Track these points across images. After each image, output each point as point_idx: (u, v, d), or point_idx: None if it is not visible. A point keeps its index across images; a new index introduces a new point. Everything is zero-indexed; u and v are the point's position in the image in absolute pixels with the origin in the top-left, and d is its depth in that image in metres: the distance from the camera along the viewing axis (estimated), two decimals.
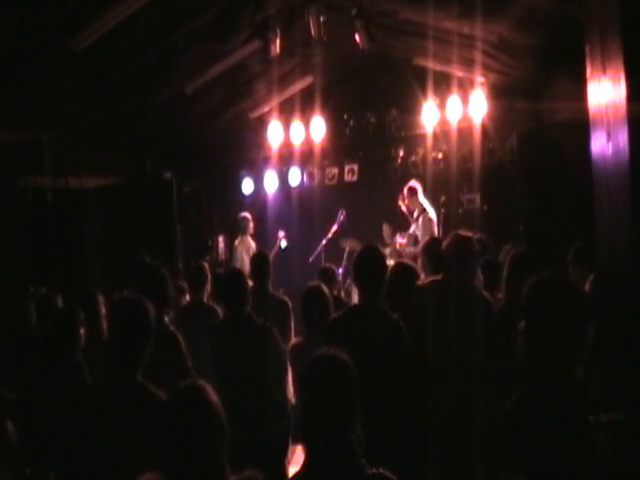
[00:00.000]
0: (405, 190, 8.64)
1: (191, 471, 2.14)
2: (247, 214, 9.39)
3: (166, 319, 5.24)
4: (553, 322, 2.38)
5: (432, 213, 8.52)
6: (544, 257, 4.94)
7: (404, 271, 4.46)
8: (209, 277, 5.77)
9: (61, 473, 2.87)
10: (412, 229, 8.65)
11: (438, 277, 4.60)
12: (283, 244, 9.44)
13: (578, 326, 2.39)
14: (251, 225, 9.29)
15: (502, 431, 2.45)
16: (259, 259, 5.56)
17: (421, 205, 8.54)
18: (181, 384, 2.28)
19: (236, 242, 9.33)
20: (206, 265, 5.93)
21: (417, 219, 8.56)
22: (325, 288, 4.67)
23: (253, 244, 9.20)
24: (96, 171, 8.37)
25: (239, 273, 4.78)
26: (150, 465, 2.20)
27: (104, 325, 4.37)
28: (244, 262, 8.68)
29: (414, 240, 8.51)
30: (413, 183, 8.67)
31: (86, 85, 6.86)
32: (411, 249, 8.36)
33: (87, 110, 7.43)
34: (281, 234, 9.43)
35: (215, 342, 4.49)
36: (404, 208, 8.88)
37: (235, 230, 9.75)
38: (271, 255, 8.88)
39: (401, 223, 8.93)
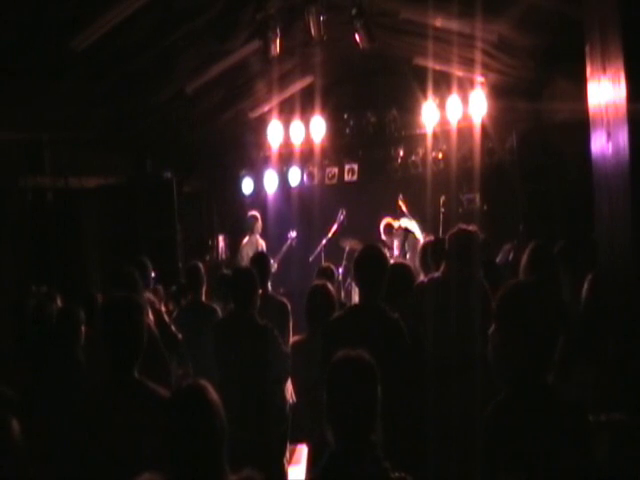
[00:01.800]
0: (382, 228, 8.73)
1: (191, 471, 2.13)
2: (256, 213, 9.26)
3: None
4: (528, 328, 2.33)
5: (417, 233, 8.49)
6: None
7: (400, 271, 4.46)
8: (204, 276, 5.76)
9: (63, 472, 2.87)
10: (395, 253, 8.66)
11: (438, 274, 4.60)
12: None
13: (551, 333, 2.36)
14: (259, 224, 9.20)
15: (484, 438, 2.42)
16: (259, 260, 5.55)
17: (399, 230, 8.58)
18: (183, 383, 2.28)
19: (244, 241, 9.23)
20: (200, 265, 5.92)
21: (403, 242, 8.58)
22: (330, 287, 4.67)
23: (263, 243, 9.15)
24: (96, 171, 8.38)
25: (250, 273, 4.71)
26: (151, 462, 2.20)
27: None
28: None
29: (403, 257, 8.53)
30: (387, 220, 8.76)
31: (86, 85, 6.86)
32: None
33: (87, 110, 7.43)
34: (292, 234, 9.36)
35: (217, 340, 4.49)
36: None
37: (239, 229, 9.74)
38: (279, 255, 8.92)
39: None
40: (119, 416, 2.74)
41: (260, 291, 5.13)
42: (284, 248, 9.09)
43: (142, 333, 2.89)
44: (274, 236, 9.63)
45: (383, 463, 2.22)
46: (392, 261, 8.26)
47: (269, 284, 5.47)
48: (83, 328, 4.30)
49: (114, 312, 2.93)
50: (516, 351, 2.33)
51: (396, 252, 8.64)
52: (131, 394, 2.81)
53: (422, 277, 5.14)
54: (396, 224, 8.67)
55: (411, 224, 8.57)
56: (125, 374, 2.83)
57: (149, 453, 2.41)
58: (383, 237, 8.72)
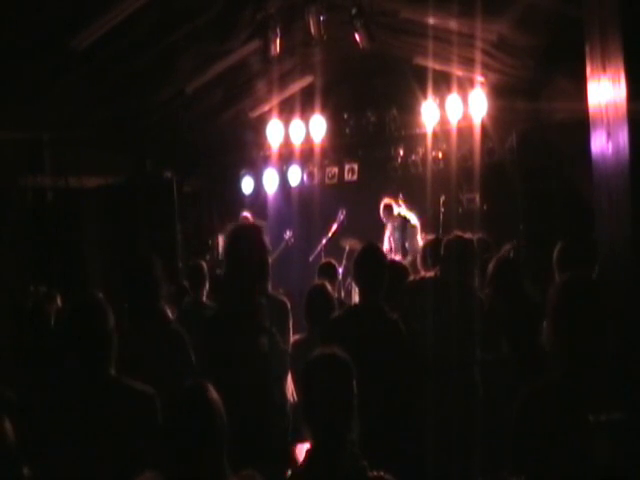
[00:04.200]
0: (381, 208, 8.73)
1: (192, 471, 2.13)
2: (247, 214, 9.35)
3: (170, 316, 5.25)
4: (583, 322, 2.39)
5: (413, 219, 8.57)
6: (543, 257, 4.95)
7: (394, 270, 4.47)
8: (207, 276, 5.77)
9: (57, 473, 2.87)
10: (388, 239, 8.70)
11: (430, 274, 4.62)
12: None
13: (606, 327, 2.43)
14: None
15: (517, 416, 2.45)
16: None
17: (399, 217, 8.62)
18: (184, 383, 2.28)
19: None
20: (204, 264, 5.92)
21: (401, 230, 8.62)
22: (329, 287, 4.67)
23: None
24: (96, 171, 8.38)
25: None
26: (138, 459, 2.19)
27: None
28: None
29: (402, 250, 8.55)
30: (387, 200, 8.78)
31: (86, 85, 6.86)
32: (406, 260, 8.37)
33: (87, 110, 7.43)
34: (288, 234, 9.36)
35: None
36: (404, 208, 8.90)
37: None
38: (275, 254, 8.92)
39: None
40: (97, 413, 2.75)
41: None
42: (279, 248, 9.09)
43: (110, 331, 2.90)
44: (274, 236, 9.62)
45: (361, 461, 2.21)
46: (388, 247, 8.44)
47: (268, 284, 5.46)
48: None
49: (80, 313, 2.95)
50: (570, 341, 2.39)
51: (387, 234, 8.67)
52: (106, 391, 2.83)
53: (422, 273, 5.16)
54: (395, 210, 8.72)
55: (409, 213, 8.63)
56: (100, 372, 2.85)
57: (133, 449, 2.41)
58: (381, 216, 8.73)
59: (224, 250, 3.74)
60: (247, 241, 3.50)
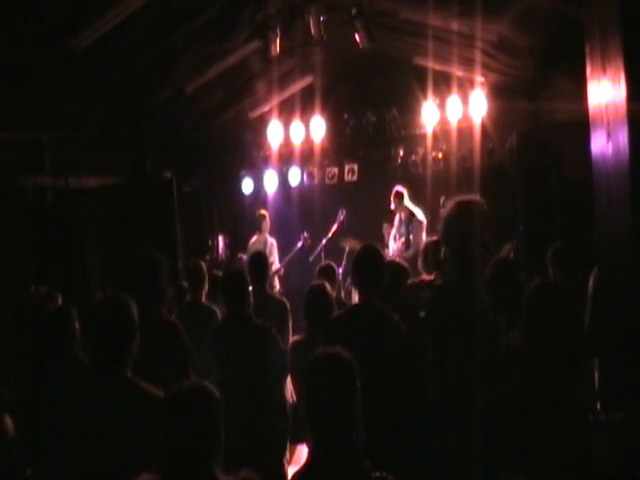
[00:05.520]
0: (392, 194, 8.64)
1: (182, 470, 2.13)
2: (264, 211, 9.23)
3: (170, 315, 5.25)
4: (551, 325, 2.41)
5: (420, 215, 8.51)
6: (543, 257, 4.96)
7: (394, 270, 4.46)
8: (206, 277, 5.76)
9: (60, 473, 2.86)
10: (394, 233, 8.64)
11: (430, 278, 4.61)
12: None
13: (573, 331, 2.46)
14: (267, 222, 9.11)
15: (489, 422, 2.47)
16: (257, 260, 5.54)
17: (407, 209, 8.53)
18: (183, 384, 2.27)
19: (252, 240, 9.17)
20: (203, 265, 5.91)
21: (407, 223, 8.55)
22: (328, 287, 4.67)
23: (273, 241, 9.09)
24: (96, 171, 8.38)
25: (240, 273, 4.75)
26: (143, 462, 2.19)
27: None
28: None
29: (406, 245, 8.50)
30: (399, 188, 8.66)
31: (86, 85, 6.86)
32: (406, 253, 8.32)
33: (87, 110, 7.43)
34: (305, 234, 9.28)
35: (215, 343, 4.49)
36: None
37: (243, 228, 9.72)
38: (290, 255, 8.92)
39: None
40: (110, 415, 2.74)
41: (257, 291, 5.13)
42: (295, 249, 9.05)
43: (134, 332, 2.88)
44: (273, 236, 9.62)
45: (364, 462, 2.21)
46: (394, 238, 8.38)
47: (270, 283, 5.47)
48: (77, 326, 4.28)
49: (105, 313, 2.92)
50: (537, 349, 2.45)
51: (394, 229, 8.61)
52: (122, 393, 2.82)
53: (424, 276, 5.15)
54: (405, 201, 8.60)
55: (416, 208, 8.55)
56: (116, 373, 2.84)
57: (141, 453, 2.41)
58: (392, 206, 8.64)
59: (444, 227, 3.40)
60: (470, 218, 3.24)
